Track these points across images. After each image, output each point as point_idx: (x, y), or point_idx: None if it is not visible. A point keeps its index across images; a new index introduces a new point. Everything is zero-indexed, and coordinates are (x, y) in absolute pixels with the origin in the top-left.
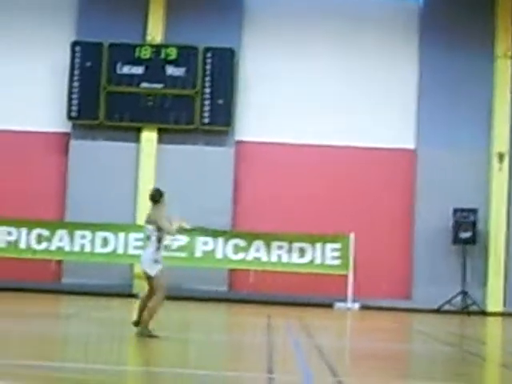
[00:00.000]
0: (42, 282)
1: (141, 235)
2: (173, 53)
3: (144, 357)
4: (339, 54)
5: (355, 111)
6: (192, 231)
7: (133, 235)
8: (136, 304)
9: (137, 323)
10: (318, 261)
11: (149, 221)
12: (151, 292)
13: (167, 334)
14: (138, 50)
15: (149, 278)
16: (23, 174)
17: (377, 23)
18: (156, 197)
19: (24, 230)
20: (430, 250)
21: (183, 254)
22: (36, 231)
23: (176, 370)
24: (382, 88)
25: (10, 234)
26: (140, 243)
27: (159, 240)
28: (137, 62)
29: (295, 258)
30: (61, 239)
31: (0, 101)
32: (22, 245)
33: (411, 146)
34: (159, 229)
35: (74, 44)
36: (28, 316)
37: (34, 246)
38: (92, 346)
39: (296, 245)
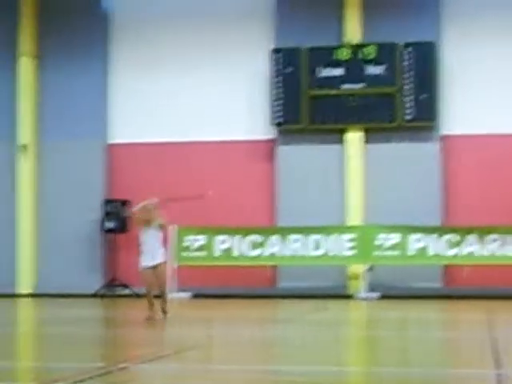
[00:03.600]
0: (258, 287)
1: (352, 236)
2: (372, 51)
3: (364, 357)
4: None
5: None
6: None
7: (344, 236)
8: (352, 304)
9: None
10: None
11: None
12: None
13: (387, 332)
14: (336, 51)
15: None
16: (233, 183)
17: None
18: None
19: (237, 238)
20: None
21: (396, 253)
22: (249, 238)
23: (400, 369)
24: None
25: (224, 242)
26: (352, 244)
27: None
28: (336, 63)
29: (510, 251)
30: (273, 244)
31: (204, 112)
32: (236, 252)
33: None
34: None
35: (274, 51)
36: (247, 321)
37: (248, 252)
38: (312, 348)
39: (511, 237)
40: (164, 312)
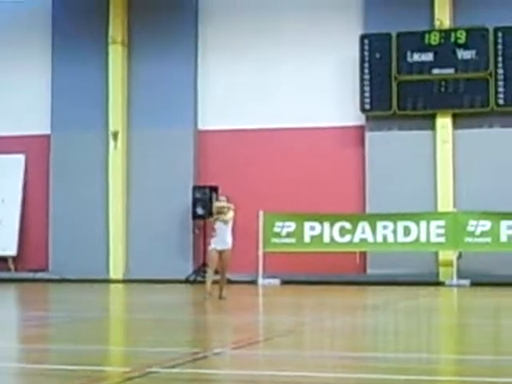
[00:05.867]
0: (347, 274)
1: (442, 222)
2: (462, 36)
3: (456, 344)
4: None
5: None
6: None
7: (434, 223)
8: (443, 291)
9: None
10: None
11: None
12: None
13: (478, 320)
14: (426, 36)
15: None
16: (322, 170)
17: None
18: None
19: (327, 224)
20: None
21: (487, 239)
22: (338, 224)
23: (492, 357)
24: None
25: (313, 228)
26: (442, 230)
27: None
28: (426, 48)
29: None
30: (363, 231)
31: (293, 98)
32: (326, 238)
33: None
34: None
35: (363, 37)
36: (337, 308)
37: (338, 238)
38: (404, 335)
39: None
40: (221, 294)
